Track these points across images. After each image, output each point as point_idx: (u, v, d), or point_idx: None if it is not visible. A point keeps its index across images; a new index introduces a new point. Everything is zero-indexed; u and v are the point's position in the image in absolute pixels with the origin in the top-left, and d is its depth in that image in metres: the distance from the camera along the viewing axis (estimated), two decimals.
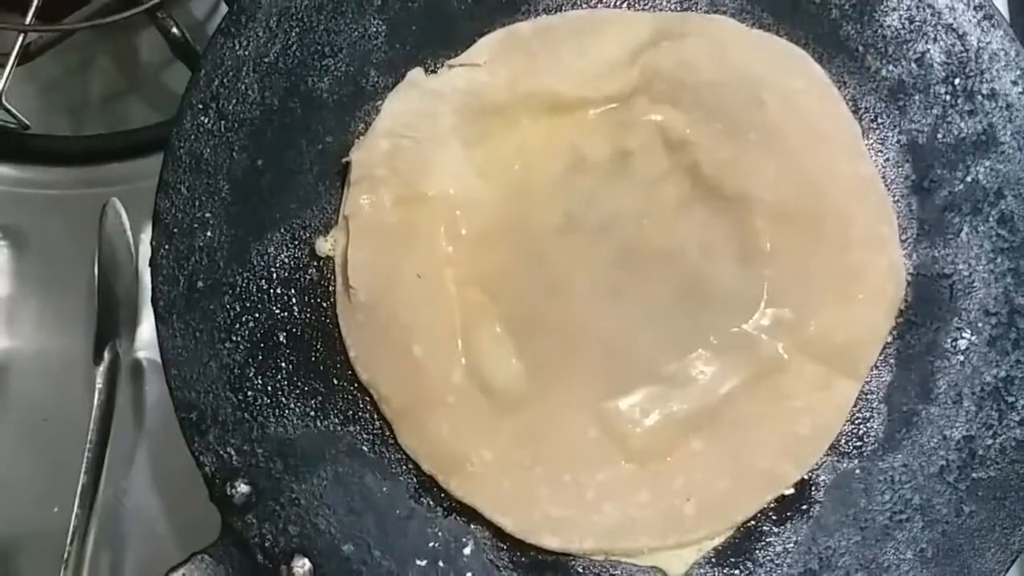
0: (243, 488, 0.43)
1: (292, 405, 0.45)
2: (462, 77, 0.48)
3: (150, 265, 0.46)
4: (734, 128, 0.47)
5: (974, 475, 0.44)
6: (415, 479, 0.44)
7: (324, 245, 0.46)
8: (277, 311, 0.46)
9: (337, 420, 0.45)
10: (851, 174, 0.47)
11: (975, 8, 0.47)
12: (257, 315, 0.45)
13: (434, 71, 0.48)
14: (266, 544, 0.43)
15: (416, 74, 0.48)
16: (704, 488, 0.43)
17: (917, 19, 0.48)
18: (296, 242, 0.46)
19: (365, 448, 0.45)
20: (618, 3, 0.49)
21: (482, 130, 0.48)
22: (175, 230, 0.46)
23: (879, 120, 0.48)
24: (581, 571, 0.43)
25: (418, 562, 0.43)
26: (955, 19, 0.48)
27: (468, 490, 0.43)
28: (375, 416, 0.45)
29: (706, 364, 0.45)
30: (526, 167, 0.48)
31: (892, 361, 0.45)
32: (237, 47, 0.47)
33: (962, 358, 0.45)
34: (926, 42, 0.48)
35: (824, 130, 0.47)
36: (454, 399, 0.44)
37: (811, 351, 0.45)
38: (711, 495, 0.43)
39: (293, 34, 0.48)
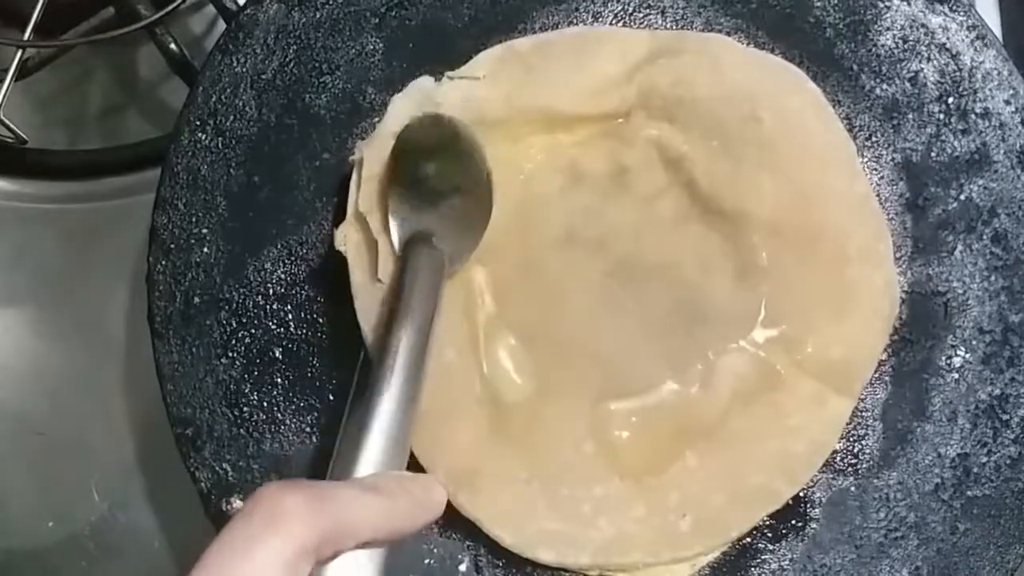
0: (238, 504, 0.43)
1: (288, 421, 0.45)
2: (461, 90, 0.48)
3: (147, 281, 0.46)
4: (731, 145, 0.47)
5: (969, 493, 0.44)
6: None
7: (338, 236, 0.45)
8: (273, 327, 0.46)
9: (333, 437, 0.45)
10: (846, 192, 0.47)
11: (968, 28, 0.48)
12: (253, 331, 0.45)
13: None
14: None
15: (425, 81, 0.47)
16: (699, 504, 0.43)
17: (911, 39, 0.48)
18: (292, 258, 0.47)
19: None
20: (615, 21, 0.49)
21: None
22: (172, 246, 0.46)
23: (873, 138, 0.48)
24: None
25: None
26: (948, 39, 0.48)
27: (474, 503, 0.43)
28: None
29: (702, 380, 0.45)
30: (525, 181, 0.48)
31: (887, 379, 0.46)
32: (235, 64, 0.47)
33: (956, 376, 0.45)
34: (920, 61, 0.48)
35: (819, 148, 0.47)
36: (474, 409, 0.44)
37: (807, 368, 0.45)
38: (706, 511, 0.43)
39: (291, 51, 0.48)
